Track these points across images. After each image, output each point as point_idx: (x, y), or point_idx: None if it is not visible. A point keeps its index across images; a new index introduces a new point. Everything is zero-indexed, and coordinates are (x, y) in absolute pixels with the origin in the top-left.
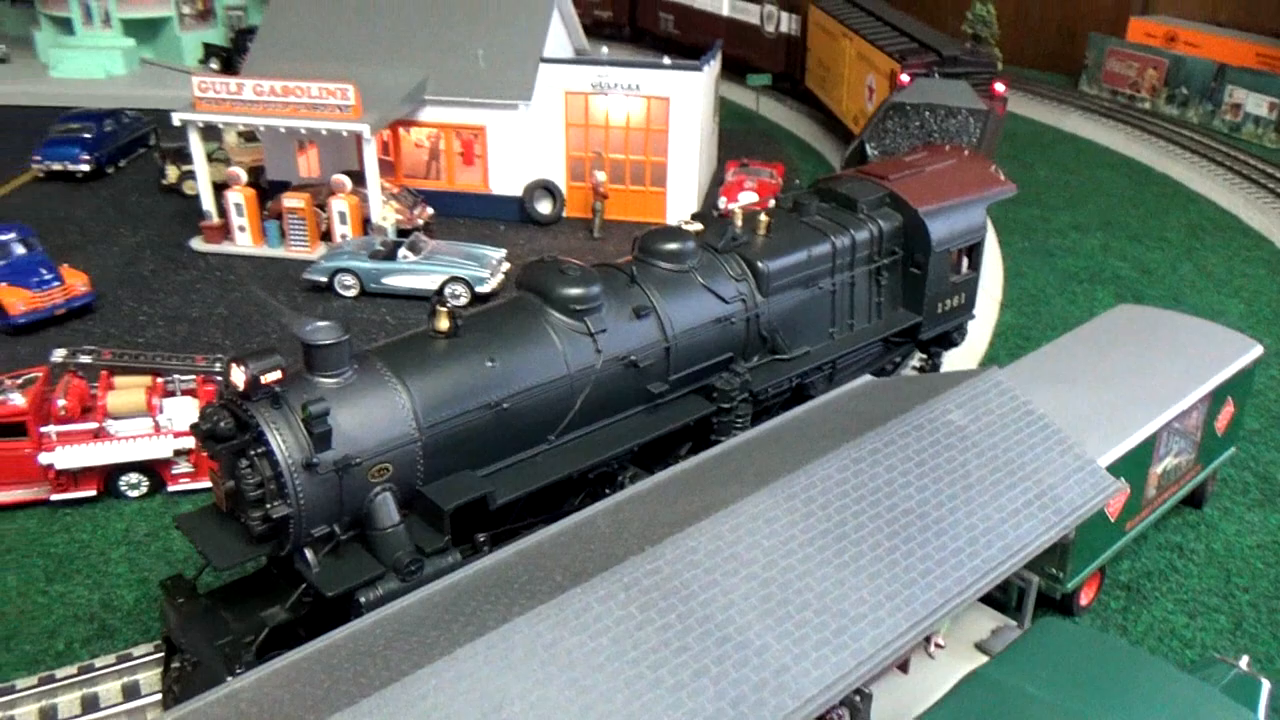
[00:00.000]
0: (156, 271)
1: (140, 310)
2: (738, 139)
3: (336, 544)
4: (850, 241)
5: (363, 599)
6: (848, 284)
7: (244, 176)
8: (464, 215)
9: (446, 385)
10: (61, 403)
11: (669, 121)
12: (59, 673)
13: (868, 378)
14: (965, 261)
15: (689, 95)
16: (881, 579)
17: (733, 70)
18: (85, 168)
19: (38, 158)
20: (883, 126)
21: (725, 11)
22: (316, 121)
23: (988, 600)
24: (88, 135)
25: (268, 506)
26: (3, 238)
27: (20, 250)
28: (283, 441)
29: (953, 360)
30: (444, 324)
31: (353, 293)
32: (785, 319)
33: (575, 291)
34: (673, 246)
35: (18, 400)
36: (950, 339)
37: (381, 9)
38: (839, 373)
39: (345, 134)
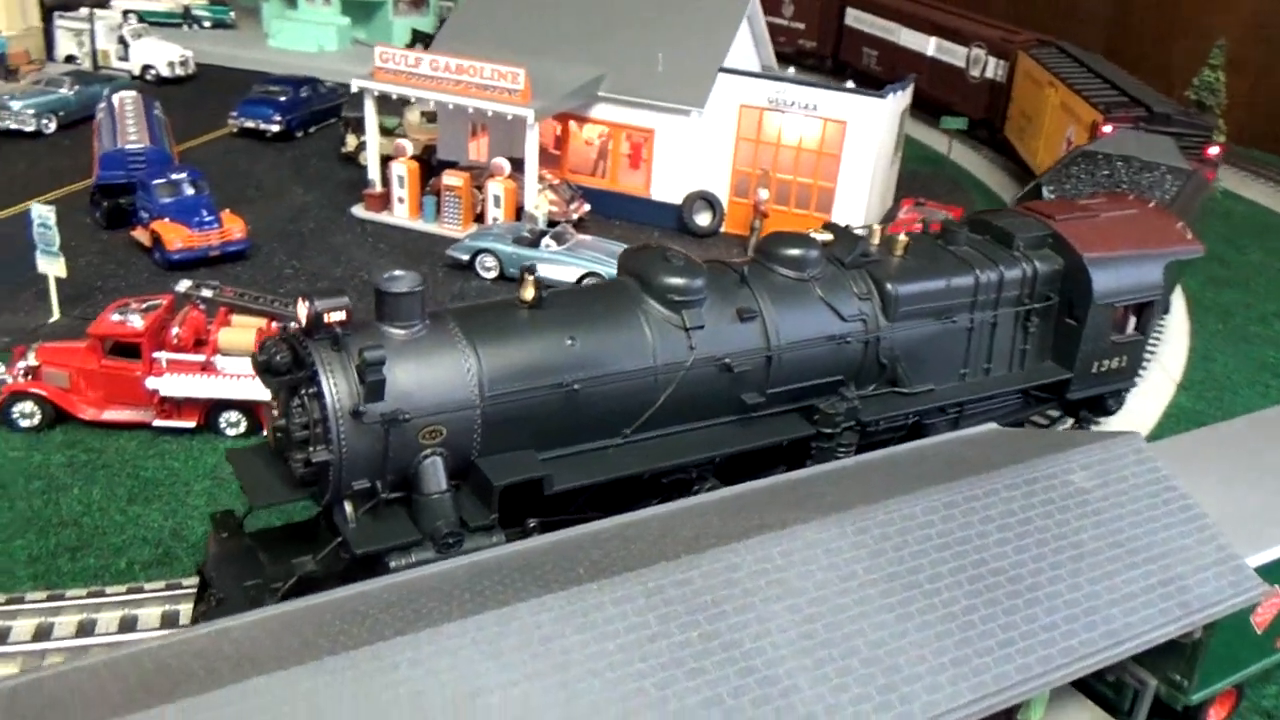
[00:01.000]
0: (314, 231)
1: (288, 264)
2: (921, 180)
3: (379, 502)
4: (997, 278)
5: (393, 563)
6: (988, 323)
7: (410, 149)
8: (621, 217)
9: (518, 357)
10: (176, 331)
11: (843, 147)
12: (109, 589)
13: (993, 425)
14: (1132, 321)
15: (867, 122)
16: (950, 640)
17: (930, 112)
18: (275, 128)
19: (234, 114)
20: (1066, 172)
21: (930, 51)
22: (484, 102)
23: (1096, 697)
24: (283, 99)
25: (310, 450)
26: (175, 177)
27: (189, 191)
28: (334, 384)
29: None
30: (529, 293)
31: (492, 275)
32: (910, 349)
33: (676, 281)
34: (794, 252)
35: (136, 323)
36: (1104, 404)
37: (569, 5)
38: (966, 419)
39: (510, 118)
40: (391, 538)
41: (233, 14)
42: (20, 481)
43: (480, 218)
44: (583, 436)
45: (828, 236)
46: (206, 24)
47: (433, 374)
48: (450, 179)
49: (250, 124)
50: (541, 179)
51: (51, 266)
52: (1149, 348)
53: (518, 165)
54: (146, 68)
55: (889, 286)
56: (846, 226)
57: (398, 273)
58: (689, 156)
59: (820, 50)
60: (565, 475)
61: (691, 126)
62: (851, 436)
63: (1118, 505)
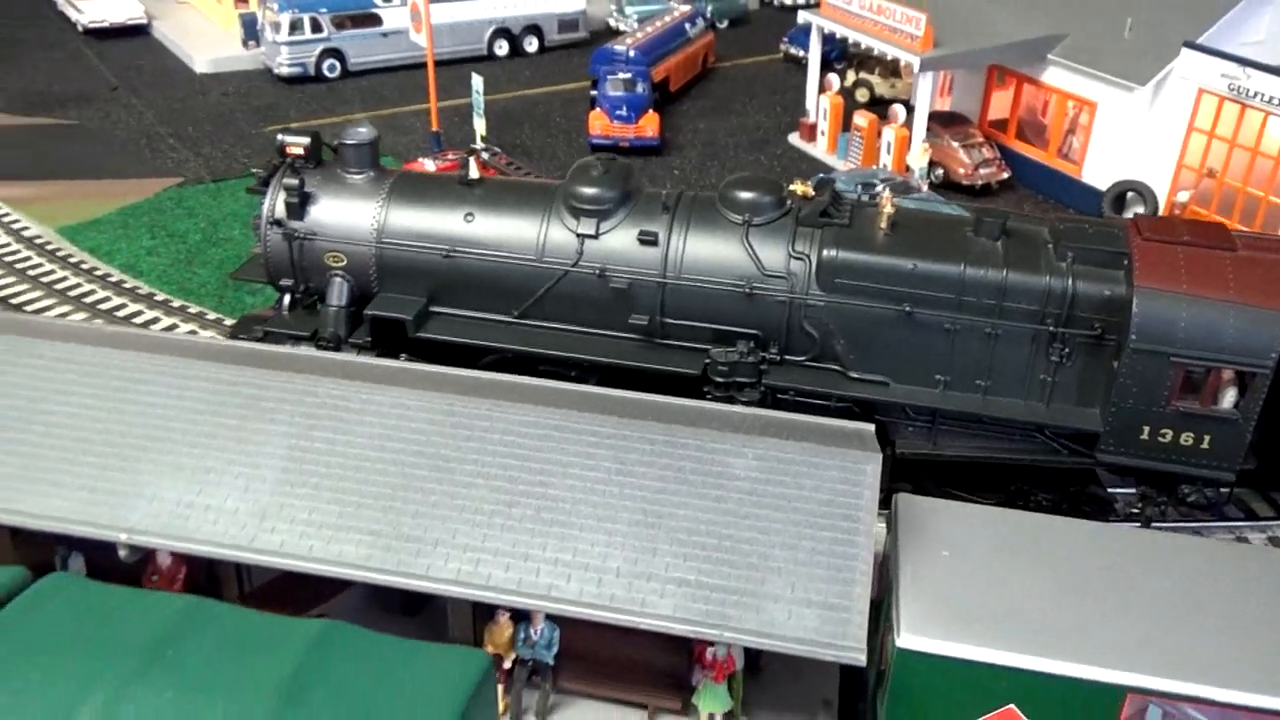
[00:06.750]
0: (739, 146)
1: (680, 168)
2: None
3: (310, 302)
4: (999, 282)
5: (289, 346)
6: (984, 332)
7: (835, 84)
8: (1045, 194)
9: (414, 218)
10: None
11: None
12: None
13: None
14: (1230, 394)
15: None
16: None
17: None
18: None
19: (786, 40)
20: None
21: None
22: (884, 44)
23: None
24: None
25: (256, 240)
26: (627, 75)
27: (639, 89)
28: (271, 197)
29: None
30: (468, 174)
31: None
32: (852, 328)
33: (581, 190)
34: (743, 195)
35: (428, 166)
36: (1176, 488)
37: None
38: (944, 434)
39: (904, 62)
40: (294, 329)
41: None
42: None
43: None
44: (476, 304)
45: (808, 189)
46: None
47: (347, 212)
48: (859, 119)
49: (794, 51)
50: (966, 135)
51: (478, 125)
52: None
53: (956, 119)
54: None
55: (826, 252)
56: (854, 188)
57: (358, 129)
58: (1128, 140)
59: None
60: (433, 327)
61: (1135, 105)
62: (753, 394)
63: (756, 505)
